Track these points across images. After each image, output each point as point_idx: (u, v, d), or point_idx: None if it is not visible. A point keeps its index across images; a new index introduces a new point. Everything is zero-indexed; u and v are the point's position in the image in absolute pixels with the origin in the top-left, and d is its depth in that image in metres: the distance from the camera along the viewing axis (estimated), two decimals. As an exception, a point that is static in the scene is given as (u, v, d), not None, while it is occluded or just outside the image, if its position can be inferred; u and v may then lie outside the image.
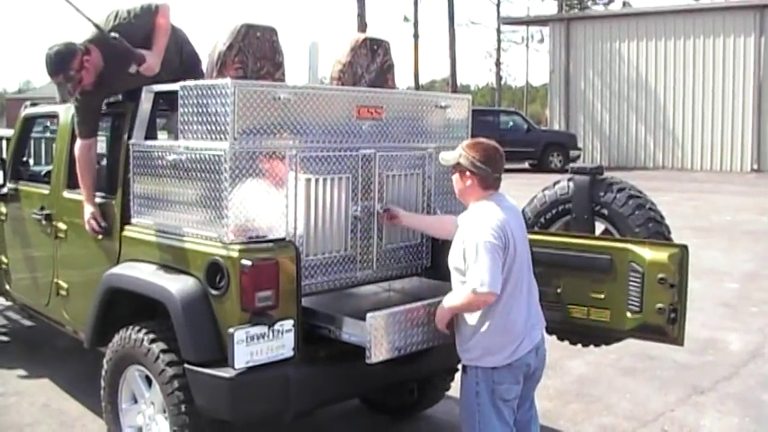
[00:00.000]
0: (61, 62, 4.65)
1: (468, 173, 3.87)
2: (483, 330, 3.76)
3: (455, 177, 3.97)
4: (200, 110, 3.99)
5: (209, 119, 3.93)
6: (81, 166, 4.96)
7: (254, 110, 3.89)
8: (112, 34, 4.68)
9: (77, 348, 6.16)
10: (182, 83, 4.18)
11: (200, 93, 4.00)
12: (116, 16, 4.84)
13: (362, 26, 32.04)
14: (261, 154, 3.93)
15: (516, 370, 3.81)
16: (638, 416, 5.72)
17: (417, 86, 39.84)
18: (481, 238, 3.65)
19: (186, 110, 4.09)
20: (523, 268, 3.85)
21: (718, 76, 28.70)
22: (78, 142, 4.99)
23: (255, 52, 4.49)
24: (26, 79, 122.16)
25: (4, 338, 7.28)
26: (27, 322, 7.48)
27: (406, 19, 50.68)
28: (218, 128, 3.88)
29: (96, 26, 4.73)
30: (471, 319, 3.78)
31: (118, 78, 4.85)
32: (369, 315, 3.70)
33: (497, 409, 3.82)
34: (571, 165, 4.93)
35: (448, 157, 3.98)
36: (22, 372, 6.40)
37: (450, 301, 3.80)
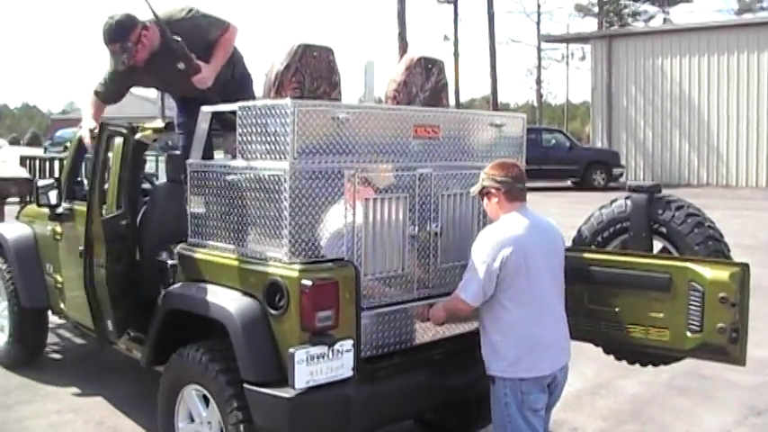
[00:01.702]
0: (120, 31, 4.78)
1: (493, 191, 4.05)
2: (506, 342, 3.92)
3: (485, 203, 4.17)
4: (260, 129, 4.01)
5: (269, 138, 3.95)
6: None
7: (313, 129, 3.91)
8: (175, 37, 4.80)
9: (130, 366, 6.25)
10: (241, 103, 4.20)
11: (259, 113, 4.02)
12: (188, 12, 4.98)
13: (403, 46, 32.12)
14: (320, 173, 3.94)
15: (543, 380, 3.94)
16: (693, 437, 5.61)
17: (458, 105, 39.86)
18: (480, 251, 3.93)
19: (245, 130, 4.11)
20: (546, 282, 4.00)
21: (763, 91, 28.32)
22: (92, 98, 5.29)
23: (312, 72, 4.52)
24: (70, 100, 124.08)
25: (58, 356, 7.34)
26: (80, 340, 7.55)
27: (446, 38, 50.60)
28: (278, 147, 3.90)
29: (160, 23, 4.83)
30: (495, 330, 3.97)
31: (167, 70, 4.95)
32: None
33: (527, 419, 3.91)
34: (628, 183, 4.88)
35: (474, 190, 4.19)
36: (76, 389, 6.45)
37: (446, 301, 4.20)
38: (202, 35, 4.96)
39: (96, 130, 5.34)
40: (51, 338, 7.02)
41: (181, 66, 4.90)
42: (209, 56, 4.97)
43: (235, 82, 5.22)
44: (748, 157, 28.75)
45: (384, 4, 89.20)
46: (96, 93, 5.31)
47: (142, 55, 4.90)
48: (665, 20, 56.25)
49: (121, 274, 5.40)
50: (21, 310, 6.56)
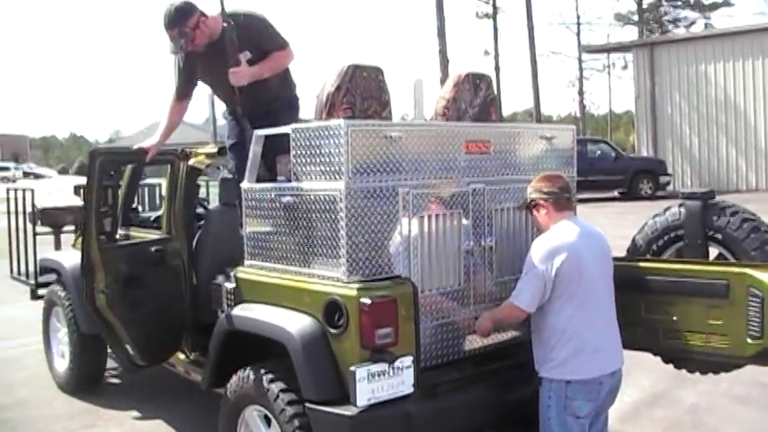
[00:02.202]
0: (180, 16, 4.91)
1: (541, 202, 4.16)
2: (556, 344, 4.01)
3: (535, 215, 4.27)
4: (314, 151, 4.07)
5: (323, 159, 4.01)
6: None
7: (367, 149, 3.95)
8: (228, 22, 4.92)
9: (188, 390, 6.33)
10: (294, 125, 4.27)
11: (312, 134, 4.08)
12: (255, 15, 5.12)
13: (444, 62, 32.19)
14: (375, 192, 3.98)
15: (589, 386, 3.98)
16: (756, 446, 5.54)
17: (500, 119, 39.77)
18: (535, 258, 4.02)
19: (299, 151, 4.17)
20: (598, 287, 4.07)
21: (809, 93, 28.00)
22: (170, 102, 5.47)
23: (363, 92, 4.56)
24: (116, 129, 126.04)
25: (117, 381, 7.44)
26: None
27: (486, 52, 50.62)
28: (333, 168, 3.95)
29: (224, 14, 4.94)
30: (546, 332, 4.06)
31: (220, 65, 5.03)
32: None
33: (566, 424, 3.98)
34: (681, 190, 4.85)
35: (524, 203, 4.32)
36: (136, 413, 6.54)
37: (495, 311, 4.29)
38: (256, 39, 5.05)
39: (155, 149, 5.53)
40: (111, 363, 7.11)
41: (242, 58, 5.03)
42: (255, 63, 5.07)
43: (280, 101, 5.28)
44: (798, 160, 28.35)
45: (425, 22, 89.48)
46: (173, 95, 5.48)
47: (200, 41, 5.02)
48: (706, 25, 55.70)
49: (154, 299, 5.60)
50: (80, 335, 6.67)
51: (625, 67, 52.74)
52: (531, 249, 4.07)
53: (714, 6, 57.65)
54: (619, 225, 4.95)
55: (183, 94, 5.47)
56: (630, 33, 56.73)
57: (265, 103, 5.18)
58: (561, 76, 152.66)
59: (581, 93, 56.99)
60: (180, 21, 4.90)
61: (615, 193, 27.69)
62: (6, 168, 71.38)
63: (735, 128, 29.70)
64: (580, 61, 56.24)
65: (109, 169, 5.69)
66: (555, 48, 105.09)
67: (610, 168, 26.85)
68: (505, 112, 49.29)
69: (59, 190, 9.38)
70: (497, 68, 45.97)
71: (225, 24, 4.93)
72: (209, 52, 5.11)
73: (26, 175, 64.81)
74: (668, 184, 27.01)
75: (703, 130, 30.48)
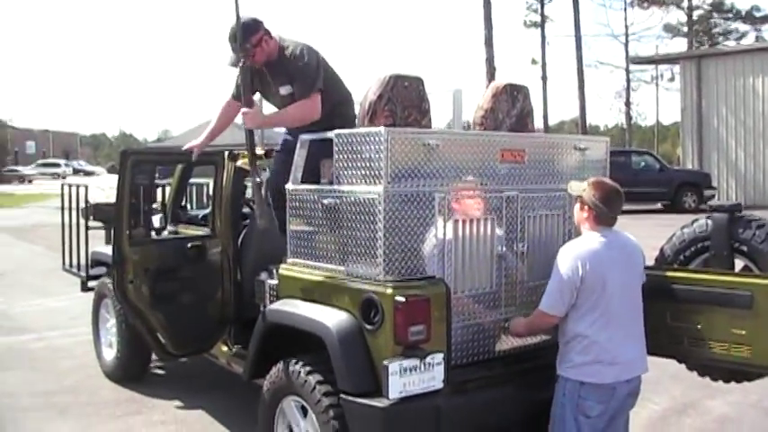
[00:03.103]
0: (245, 32, 5.06)
1: (587, 207, 4.24)
2: (575, 348, 4.17)
3: (576, 207, 4.36)
4: (355, 156, 4.28)
5: (364, 164, 4.21)
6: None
7: (406, 155, 4.15)
8: (242, 64, 5.04)
9: (228, 380, 6.57)
10: (337, 131, 4.48)
11: (354, 140, 4.28)
12: (301, 52, 5.25)
13: (491, 70, 32.24)
14: (412, 196, 4.18)
15: (603, 390, 4.12)
16: (783, 458, 5.63)
17: (546, 128, 39.81)
18: (562, 265, 4.15)
19: (341, 156, 4.38)
20: (622, 299, 4.19)
21: None
22: (227, 99, 5.69)
23: (404, 101, 4.74)
24: (165, 128, 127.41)
25: (161, 372, 7.71)
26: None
27: (534, 62, 50.72)
28: (373, 172, 4.15)
29: (240, 34, 5.00)
30: (567, 336, 4.22)
31: (269, 86, 5.27)
32: None
33: (578, 423, 4.13)
34: (709, 203, 4.98)
35: (573, 188, 4.38)
36: (179, 402, 6.79)
37: (530, 317, 4.42)
38: (294, 78, 5.23)
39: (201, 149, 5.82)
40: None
41: (284, 90, 5.20)
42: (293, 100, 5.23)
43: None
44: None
45: (472, 31, 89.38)
46: (232, 93, 5.72)
47: (260, 58, 5.23)
48: (757, 38, 55.12)
49: (190, 292, 5.93)
50: (128, 326, 6.92)
51: (672, 79, 52.43)
52: (559, 255, 4.21)
53: (766, 19, 57.01)
54: (661, 236, 5.03)
55: (238, 96, 5.64)
56: (680, 45, 56.33)
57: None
58: (609, 87, 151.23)
59: (628, 104, 56.66)
60: (244, 37, 5.06)
61: (659, 206, 27.57)
62: (57, 165, 72.72)
63: (782, 143, 29.40)
64: (627, 72, 55.99)
65: (141, 169, 5.99)
66: (602, 58, 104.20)
67: (654, 180, 26.78)
68: (552, 121, 49.27)
69: (111, 186, 9.68)
70: (544, 78, 46.06)
71: (241, 64, 5.04)
72: (264, 70, 5.34)
73: (76, 172, 65.97)
74: (713, 197, 26.81)
75: (749, 144, 30.22)
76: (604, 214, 4.22)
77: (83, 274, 8.11)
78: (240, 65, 5.06)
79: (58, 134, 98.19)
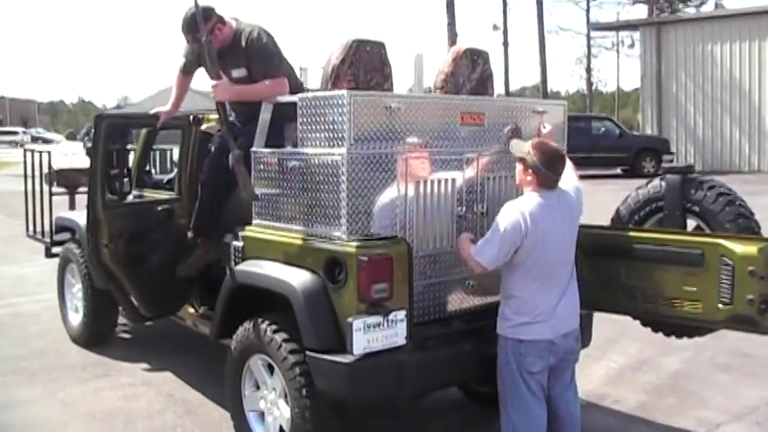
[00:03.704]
0: (196, 22, 5.09)
1: (531, 170, 4.28)
2: (512, 307, 4.30)
3: (519, 168, 4.39)
4: (318, 119, 4.36)
5: (327, 127, 4.30)
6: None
7: (368, 118, 4.25)
8: (205, 38, 5.06)
9: (194, 343, 6.69)
10: (301, 95, 4.56)
11: (318, 104, 4.37)
12: (258, 35, 5.30)
13: (452, 36, 32.26)
14: (374, 158, 4.28)
15: (540, 345, 4.27)
16: (732, 410, 5.85)
17: (507, 93, 39.96)
18: (504, 221, 4.20)
19: (305, 119, 4.47)
20: (558, 257, 4.30)
21: (816, 76, 28.06)
22: (177, 74, 5.85)
23: (366, 65, 4.83)
24: (124, 95, 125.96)
25: (128, 335, 7.79)
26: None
27: (495, 27, 50.66)
28: (336, 135, 4.25)
29: (196, 17, 5.06)
30: (505, 295, 4.36)
31: (224, 70, 5.27)
32: None
33: (525, 379, 4.29)
34: (663, 165, 5.14)
35: (516, 150, 4.39)
36: (146, 365, 6.89)
37: (469, 245, 4.41)
38: (253, 60, 5.27)
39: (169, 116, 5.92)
40: (122, 319, 7.45)
41: (236, 73, 5.28)
42: (247, 82, 5.28)
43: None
44: (800, 142, 28.48)
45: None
46: (179, 68, 5.81)
47: (214, 45, 5.22)
48: (716, 5, 55.52)
49: (160, 255, 6.03)
50: (94, 290, 7.01)
51: (632, 46, 52.65)
52: (502, 212, 4.28)
53: (725, -14, 57.43)
54: (617, 201, 5.20)
55: (188, 70, 5.81)
56: (640, 12, 56.52)
57: (255, 110, 5.16)
58: (570, 53, 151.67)
59: (588, 70, 57.02)
60: (195, 26, 5.11)
61: (618, 171, 27.91)
62: (15, 133, 71.64)
63: (739, 109, 29.83)
64: (588, 38, 56.21)
65: (114, 133, 6.03)
66: (564, 24, 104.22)
67: (613, 146, 27.15)
68: (513, 86, 49.39)
69: (75, 153, 9.70)
70: (506, 43, 46.10)
71: (203, 38, 5.05)
72: (224, 53, 5.34)
73: (34, 139, 65.06)
74: (671, 162, 27.18)
75: (708, 110, 30.63)
76: (547, 177, 4.28)
77: (47, 240, 8.14)
78: (203, 39, 5.07)
79: (15, 101, 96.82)
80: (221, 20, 5.32)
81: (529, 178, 4.30)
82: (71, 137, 78.61)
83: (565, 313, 4.34)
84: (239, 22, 5.46)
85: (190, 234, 5.83)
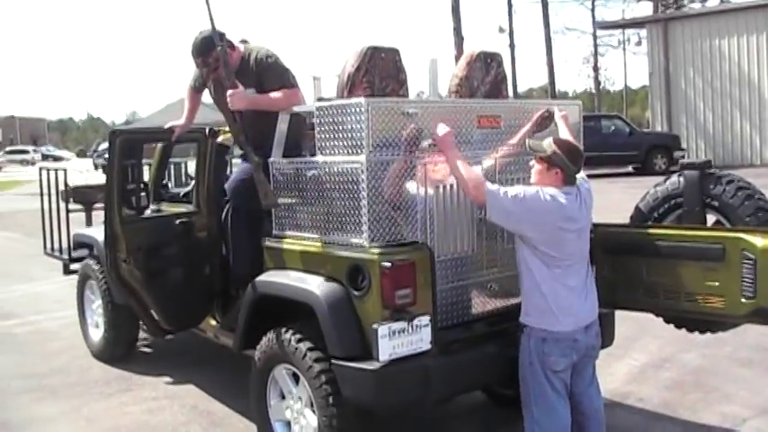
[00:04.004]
0: (206, 47, 5.21)
1: (557, 168, 4.29)
2: (534, 296, 4.30)
3: (541, 167, 4.36)
4: (337, 127, 4.37)
5: (346, 135, 4.31)
6: None
7: (386, 124, 4.26)
8: (221, 47, 5.14)
9: (215, 355, 6.71)
10: (318, 103, 4.58)
11: (335, 111, 4.38)
12: (264, 55, 5.37)
13: (459, 40, 32.30)
14: (394, 164, 4.29)
15: (563, 344, 4.27)
16: (756, 404, 5.84)
17: (516, 95, 39.93)
18: (532, 190, 4.22)
19: (323, 128, 4.48)
20: (576, 251, 4.32)
21: (823, 67, 27.95)
22: (188, 90, 5.96)
23: (381, 72, 4.86)
24: (132, 110, 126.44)
25: (149, 350, 7.81)
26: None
27: (501, 30, 50.68)
28: (355, 143, 4.26)
29: (213, 34, 5.14)
30: (527, 285, 4.33)
31: (224, 95, 5.28)
32: None
33: (549, 379, 4.30)
34: (681, 161, 5.13)
35: (542, 147, 4.35)
36: (169, 378, 6.90)
37: (466, 168, 4.31)
38: (263, 77, 5.31)
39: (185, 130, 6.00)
40: (143, 334, 7.47)
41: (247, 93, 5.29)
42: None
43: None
44: (811, 133, 28.38)
45: (440, 1, 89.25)
46: (190, 83, 5.89)
47: (221, 72, 5.28)
48: (721, 0, 55.41)
49: (179, 268, 6.07)
50: (114, 306, 7.03)
51: (639, 43, 52.59)
52: (532, 188, 4.28)
53: (730, -20, 57.34)
54: (630, 200, 5.20)
55: (198, 87, 5.90)
56: (646, 9, 56.44)
57: (268, 132, 5.16)
58: (577, 53, 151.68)
59: (596, 69, 57.03)
60: (206, 51, 5.23)
61: (630, 169, 27.84)
62: (25, 152, 71.98)
63: (749, 103, 29.69)
64: (595, 37, 56.26)
65: (129, 149, 6.08)
66: (570, 24, 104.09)
67: (624, 144, 27.06)
68: (521, 88, 49.40)
69: (89, 169, 9.76)
70: (512, 45, 46.15)
71: (218, 47, 5.14)
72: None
73: (45, 157, 65.37)
74: (683, 158, 26.90)
75: (717, 105, 30.51)
76: (573, 173, 4.32)
77: (65, 257, 8.18)
78: (219, 48, 5.13)
79: (24, 120, 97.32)
80: (231, 44, 5.37)
81: (554, 173, 4.31)
82: (81, 154, 79.02)
83: (584, 308, 4.36)
84: (247, 43, 5.52)
85: (232, 290, 5.81)
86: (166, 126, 6.09)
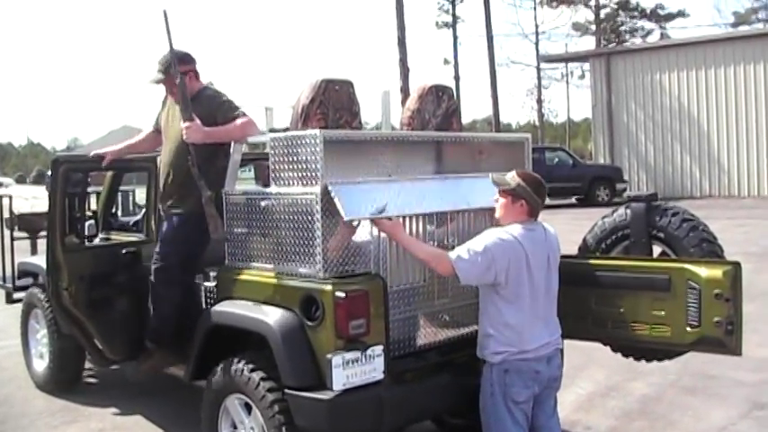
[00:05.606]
0: (180, 59, 5.20)
1: (522, 200, 4.32)
2: (496, 335, 4.28)
3: (506, 200, 4.38)
4: (291, 158, 4.41)
5: (300, 166, 4.35)
6: None
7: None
8: (180, 80, 5.12)
9: (163, 385, 6.62)
10: (272, 135, 4.61)
11: (290, 143, 4.41)
12: (213, 91, 5.37)
13: (405, 71, 32.50)
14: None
15: (525, 375, 4.27)
16: (700, 430, 5.96)
17: (461, 128, 40.20)
18: (490, 243, 4.18)
19: (277, 159, 4.51)
20: (540, 289, 4.32)
21: (761, 101, 28.67)
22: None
23: (335, 104, 4.90)
24: (74, 136, 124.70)
25: (95, 380, 7.70)
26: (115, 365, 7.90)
27: (446, 61, 51.36)
28: (309, 174, 4.30)
29: (173, 59, 5.15)
30: (488, 324, 4.32)
31: (177, 123, 5.29)
32: None
33: (510, 410, 4.28)
34: (626, 193, 5.26)
35: (506, 180, 4.38)
36: (116, 409, 6.80)
37: (423, 248, 4.41)
38: (214, 113, 5.26)
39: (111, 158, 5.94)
40: (88, 364, 7.37)
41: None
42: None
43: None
44: (749, 166, 29.07)
45: (385, 32, 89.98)
46: (154, 124, 5.88)
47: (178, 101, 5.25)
48: (662, 35, 56.70)
49: (126, 297, 6.01)
50: (60, 336, 6.91)
51: (582, 77, 53.69)
52: (491, 234, 4.27)
53: (670, 17, 58.79)
54: (576, 231, 5.30)
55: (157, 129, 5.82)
56: (589, 43, 57.58)
57: (221, 168, 5.18)
58: (521, 85, 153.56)
59: (539, 101, 57.79)
60: (178, 63, 5.18)
61: (573, 200, 28.25)
62: (-36, 177, 70.50)
63: (689, 136, 30.39)
64: (538, 70, 57.04)
65: (72, 177, 6.03)
66: (514, 57, 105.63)
67: (567, 175, 27.46)
68: (465, 119, 49.84)
69: (35, 196, 9.63)
70: (457, 77, 46.67)
71: (177, 79, 5.11)
72: (175, 106, 5.36)
73: (-17, 184, 64.06)
74: (625, 190, 27.54)
75: (658, 138, 31.17)
76: (537, 205, 4.35)
77: (9, 285, 8.04)
78: (177, 81, 5.12)
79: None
80: (196, 73, 5.38)
81: (519, 205, 4.33)
82: (21, 180, 77.56)
83: (547, 343, 4.37)
84: (210, 86, 5.50)
85: (148, 344, 5.73)
86: (92, 153, 6.07)
